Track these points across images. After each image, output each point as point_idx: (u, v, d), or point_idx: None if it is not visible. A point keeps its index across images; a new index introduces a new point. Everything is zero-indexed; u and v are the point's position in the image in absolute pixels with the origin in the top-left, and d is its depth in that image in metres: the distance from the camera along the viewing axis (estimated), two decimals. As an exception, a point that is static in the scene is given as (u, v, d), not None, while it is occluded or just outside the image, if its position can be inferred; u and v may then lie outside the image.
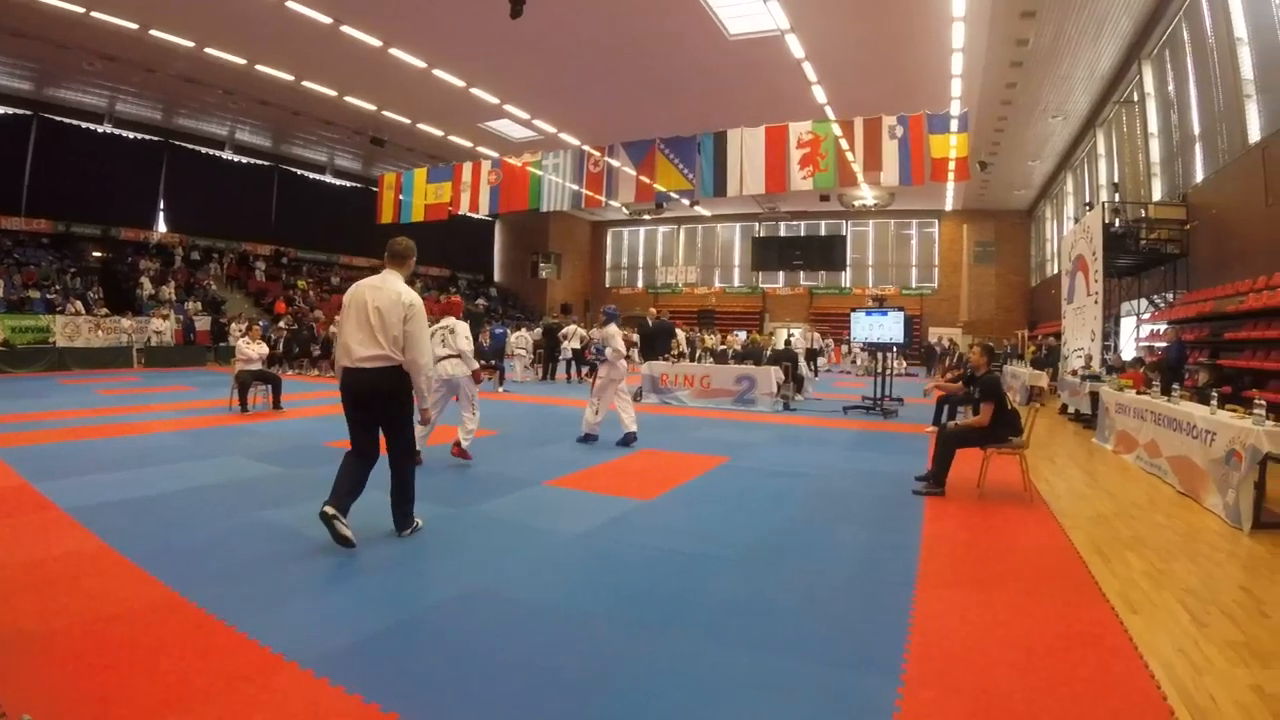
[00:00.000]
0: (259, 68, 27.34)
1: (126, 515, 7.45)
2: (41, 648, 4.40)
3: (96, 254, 36.99)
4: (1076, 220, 27.93)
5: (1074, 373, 19.21)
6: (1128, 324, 25.34)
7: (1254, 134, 16.74)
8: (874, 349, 19.73)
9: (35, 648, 4.40)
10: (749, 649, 4.66)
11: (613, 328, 13.26)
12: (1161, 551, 6.88)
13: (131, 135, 37.66)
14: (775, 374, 19.08)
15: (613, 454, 11.87)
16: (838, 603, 5.59)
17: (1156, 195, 23.02)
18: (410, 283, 7.13)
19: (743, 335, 33.46)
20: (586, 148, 20.98)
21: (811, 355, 32.52)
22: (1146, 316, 23.38)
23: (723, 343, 28.68)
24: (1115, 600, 5.51)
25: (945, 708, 3.94)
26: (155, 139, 38.61)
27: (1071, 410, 18.17)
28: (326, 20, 22.17)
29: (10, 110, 33.58)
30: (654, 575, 6.14)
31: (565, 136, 32.18)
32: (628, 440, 12.59)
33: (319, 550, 6.41)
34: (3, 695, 3.76)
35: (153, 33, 24.13)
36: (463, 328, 10.81)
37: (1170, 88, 21.61)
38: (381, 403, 6.76)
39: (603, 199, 20.75)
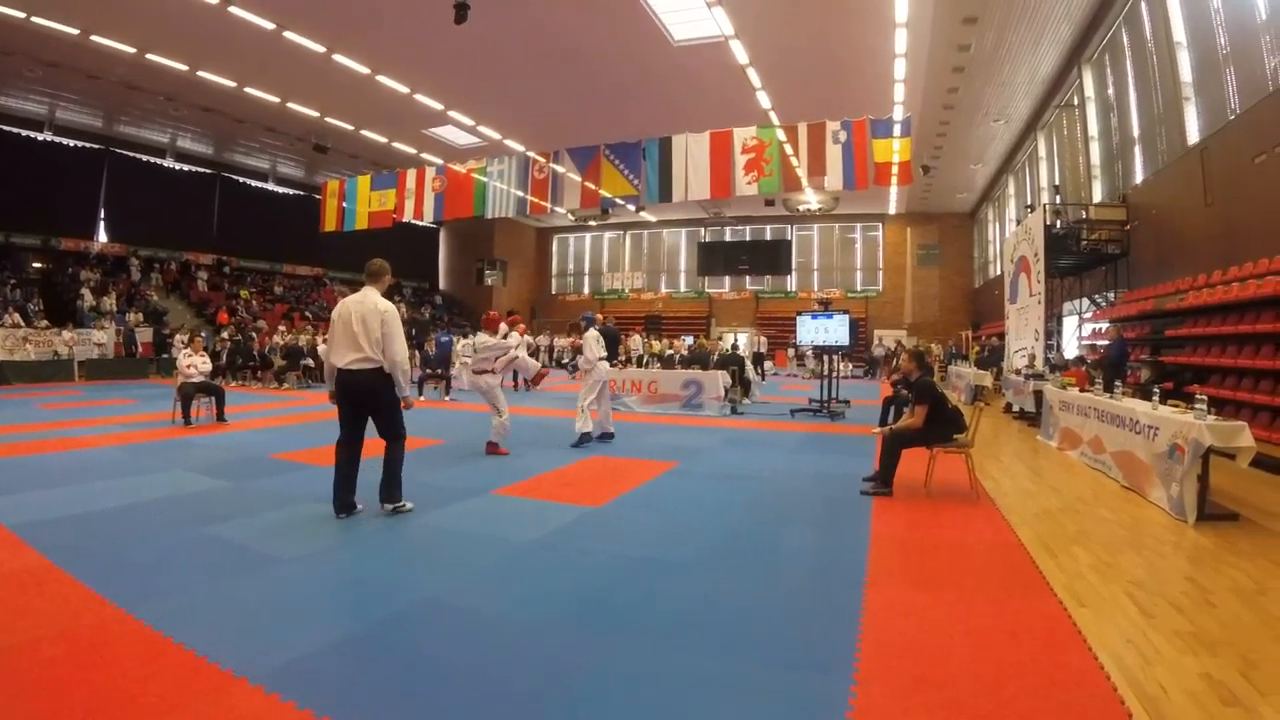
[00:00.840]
0: (201, 74, 27.05)
1: (70, 531, 7.33)
2: None
3: (37, 265, 36.37)
4: (1018, 222, 28.23)
5: (1018, 372, 19.49)
6: (1070, 323, 25.73)
7: (1193, 135, 17.05)
8: (820, 352, 19.74)
9: None
10: (702, 654, 4.66)
11: (591, 334, 13.81)
12: (1108, 545, 6.97)
13: (72, 143, 37.11)
14: (722, 378, 19.11)
15: (562, 461, 11.82)
16: (788, 604, 5.61)
17: (1097, 197, 23.36)
18: (389, 295, 8.62)
19: (690, 340, 33.53)
20: (532, 154, 20.92)
21: (758, 359, 32.69)
22: (1088, 315, 23.71)
23: (670, 347, 28.75)
24: (1063, 594, 5.58)
25: (898, 703, 3.96)
26: (96, 147, 38.00)
27: (1016, 409, 18.40)
28: (269, 26, 21.98)
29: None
30: (604, 582, 6.13)
31: (510, 143, 32.16)
32: (581, 441, 13.02)
33: (266, 564, 6.39)
34: None
35: (94, 38, 23.84)
36: (515, 338, 13.04)
37: (1110, 91, 21.96)
38: (368, 397, 8.13)
39: (548, 205, 20.73)
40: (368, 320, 8.02)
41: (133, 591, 5.58)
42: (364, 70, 25.58)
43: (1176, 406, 8.95)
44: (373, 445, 8.29)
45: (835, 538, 7.43)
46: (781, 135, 17.22)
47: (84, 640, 4.74)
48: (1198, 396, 8.34)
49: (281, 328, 34.52)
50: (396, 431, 8.42)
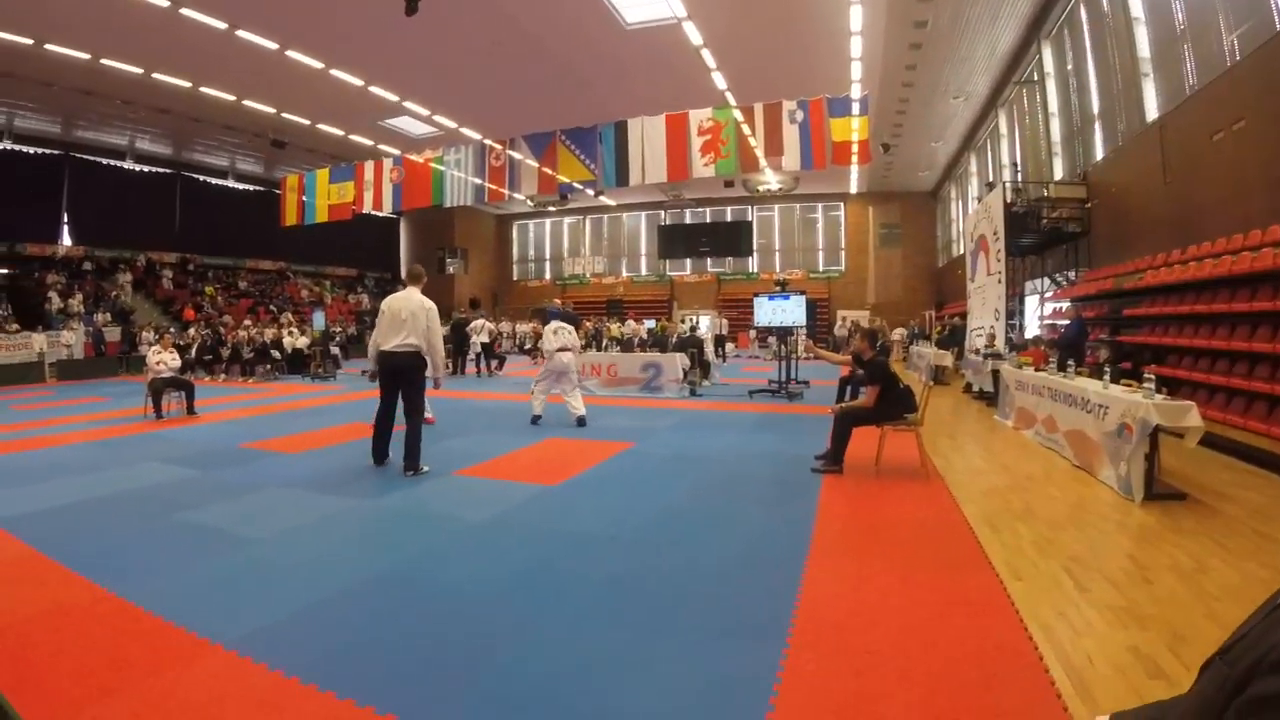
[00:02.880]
0: (156, 76, 26.88)
1: (49, 522, 7.59)
2: None
3: (2, 271, 36.24)
4: (980, 200, 28.22)
5: (976, 351, 19.39)
6: (1032, 302, 25.68)
7: (1151, 112, 17.10)
8: (779, 333, 19.73)
9: None
10: (633, 624, 4.87)
11: (550, 326, 14.68)
12: (1051, 522, 6.98)
13: (31, 150, 37.00)
14: (681, 360, 19.10)
15: (522, 443, 12.04)
16: (728, 577, 5.74)
17: (1058, 174, 23.45)
18: (426, 292, 10.37)
19: (650, 324, 33.48)
20: (488, 142, 20.94)
21: (720, 341, 32.68)
22: (1049, 295, 23.72)
23: (629, 331, 28.79)
24: (1001, 568, 5.65)
25: (827, 670, 4.11)
26: (56, 153, 37.91)
27: (976, 389, 18.23)
28: (222, 26, 21.84)
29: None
30: (548, 556, 6.33)
31: (466, 131, 31.92)
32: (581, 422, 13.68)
33: (235, 545, 6.72)
34: None
35: (48, 47, 23.73)
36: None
37: (1070, 67, 22.00)
38: (404, 374, 9.88)
39: (506, 192, 20.79)
40: (416, 314, 9.85)
41: (111, 572, 5.88)
42: (318, 65, 25.44)
43: (1129, 386, 8.95)
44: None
45: (781, 514, 7.50)
46: (738, 116, 17.26)
47: (66, 617, 5.05)
48: (1146, 375, 8.35)
49: (247, 322, 34.41)
50: (418, 408, 10.01)
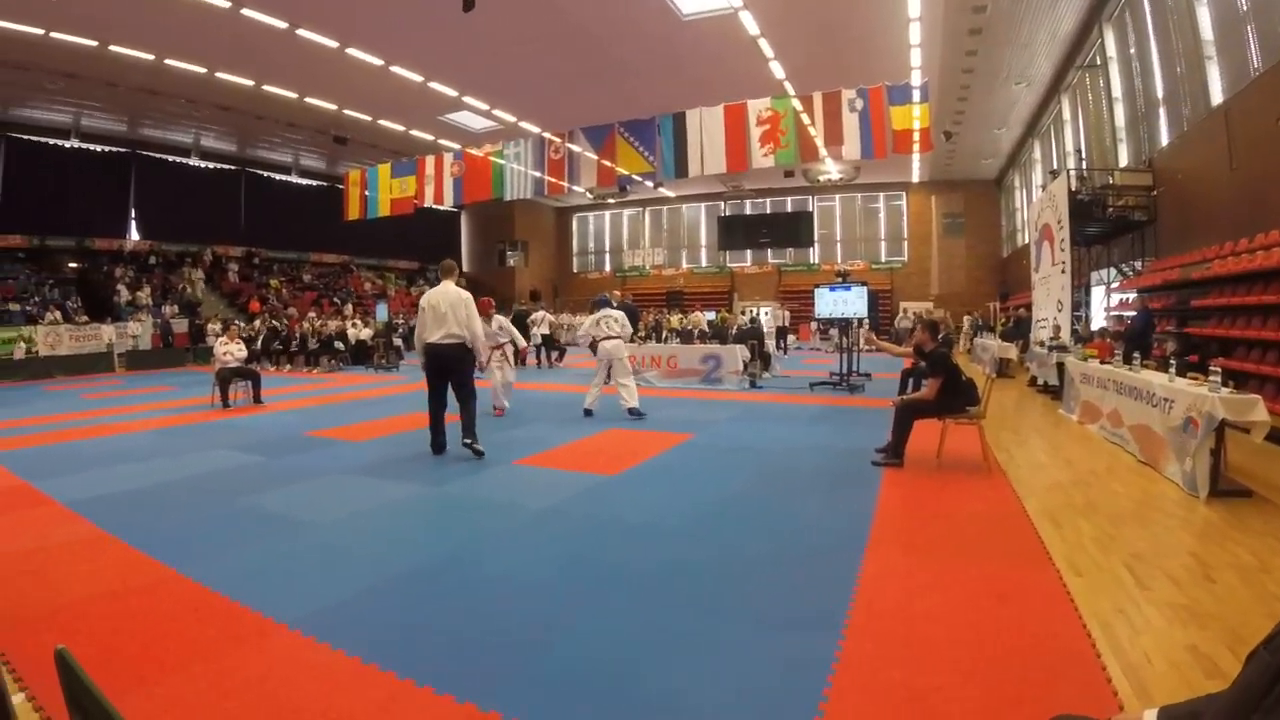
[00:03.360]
0: (219, 75, 27.34)
1: (121, 506, 7.91)
2: (47, 624, 4.81)
3: (72, 265, 37.19)
4: (1044, 188, 27.79)
5: (1041, 344, 19.11)
6: (1098, 293, 25.25)
7: (1216, 96, 16.67)
8: (841, 325, 19.57)
9: (40, 625, 4.81)
10: (692, 610, 4.93)
11: (595, 315, 15.02)
12: (1113, 518, 6.88)
13: (99, 148, 37.81)
14: (741, 352, 19.03)
15: (582, 433, 12.20)
16: (786, 567, 5.78)
17: (1123, 161, 22.93)
18: (462, 285, 10.82)
19: (710, 315, 33.37)
20: (547, 135, 20.97)
21: (781, 333, 32.50)
22: (1115, 285, 23.31)
23: (689, 323, 28.75)
24: (1061, 563, 5.60)
25: (881, 660, 4.12)
26: (122, 150, 38.73)
27: (1041, 382, 17.93)
28: (282, 25, 22.14)
29: (-24, 133, 33.59)
30: (608, 543, 6.49)
31: (525, 125, 32.04)
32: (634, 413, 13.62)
33: (299, 528, 7.02)
34: (15, 665, 4.13)
35: (112, 48, 24.14)
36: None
37: (1132, 51, 21.44)
38: (452, 364, 10.40)
39: (566, 185, 20.77)
40: (455, 306, 10.29)
41: (180, 554, 6.14)
42: (378, 62, 25.70)
43: (1194, 379, 8.79)
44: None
45: (840, 505, 7.51)
46: (797, 105, 17.12)
47: (138, 597, 5.28)
48: (1212, 368, 8.17)
49: (311, 314, 34.80)
50: (469, 391, 10.58)
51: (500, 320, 15.72)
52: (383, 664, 4.10)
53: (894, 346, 13.03)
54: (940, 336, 10.43)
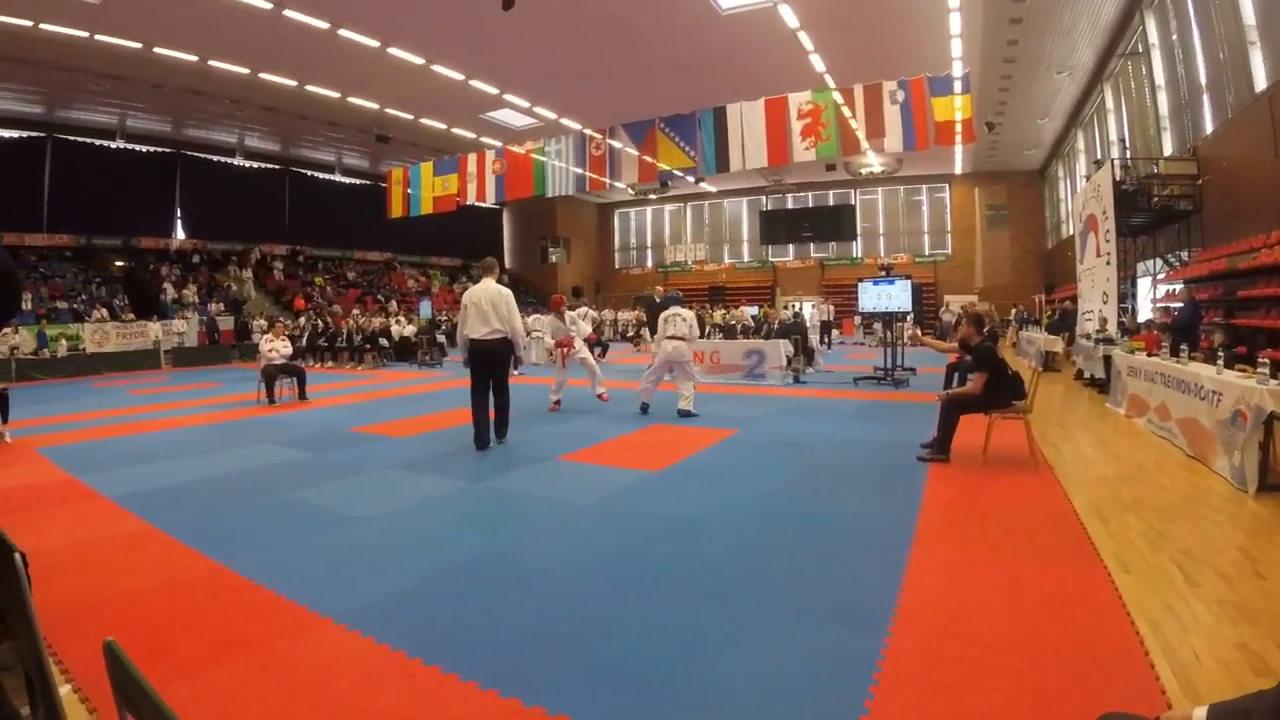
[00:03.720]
0: (262, 76, 27.75)
1: (167, 500, 8.02)
2: (93, 617, 4.87)
3: (119, 263, 37.76)
4: (1088, 179, 27.52)
5: (1087, 336, 18.91)
6: (1144, 284, 24.98)
7: (1260, 82, 16.45)
8: (884, 319, 19.47)
9: (87, 618, 4.85)
10: (736, 605, 4.92)
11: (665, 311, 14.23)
12: (1162, 513, 6.80)
13: (144, 149, 38.44)
14: (784, 347, 18.99)
15: (625, 429, 12.21)
16: (831, 562, 5.76)
17: (1167, 149, 22.64)
18: (503, 282, 11.18)
19: (753, 310, 33.30)
20: (588, 131, 21.02)
21: (826, 328, 32.37)
22: (1161, 276, 23.06)
23: (732, 318, 28.73)
24: (1109, 560, 5.54)
25: (928, 657, 4.10)
26: (167, 151, 39.39)
27: (1087, 375, 17.70)
28: (323, 25, 22.41)
29: (24, 133, 34.43)
30: (652, 539, 6.45)
31: (566, 121, 32.16)
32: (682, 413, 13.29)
33: (345, 523, 7.09)
34: (62, 656, 4.13)
35: (156, 50, 24.50)
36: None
37: (1174, 37, 21.16)
38: (494, 358, 10.69)
39: (607, 181, 20.79)
40: (496, 303, 10.61)
41: (226, 548, 6.22)
42: (418, 61, 25.95)
43: (1243, 371, 8.67)
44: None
45: (886, 501, 7.47)
46: (838, 98, 17.05)
47: (184, 589, 5.37)
48: (1260, 360, 8.06)
49: (355, 311, 35.02)
50: (505, 386, 10.92)
51: (571, 315, 15.96)
52: (426, 659, 4.14)
53: (939, 342, 12.95)
54: (985, 330, 10.34)
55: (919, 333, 13.87)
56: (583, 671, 4.03)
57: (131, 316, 32.24)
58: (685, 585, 5.30)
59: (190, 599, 5.15)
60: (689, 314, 14.17)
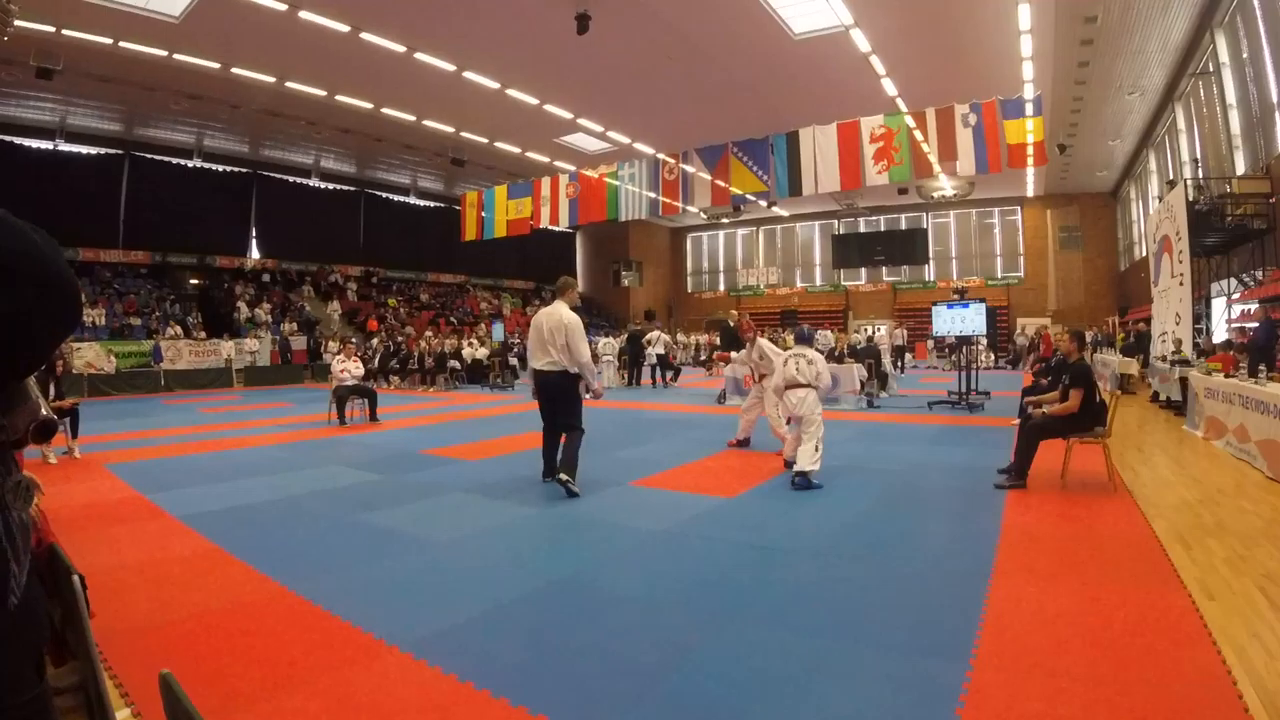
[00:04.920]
0: (339, 98, 28.18)
1: (234, 520, 8.02)
2: (159, 637, 4.88)
3: (194, 281, 38.52)
4: (1161, 199, 27.23)
5: (1163, 358, 18.76)
6: (1219, 305, 24.69)
7: (1332, 99, 16.33)
8: (959, 342, 19.40)
9: (152, 637, 4.87)
10: (815, 635, 4.82)
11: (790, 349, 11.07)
12: (1244, 538, 6.75)
13: (221, 168, 39.20)
14: (858, 371, 19.00)
15: (698, 455, 12.04)
16: (911, 592, 5.68)
17: (1240, 168, 22.42)
18: (576, 308, 9.89)
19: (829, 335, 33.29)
20: (661, 155, 21.20)
21: (899, 352, 32.23)
22: (1236, 296, 22.80)
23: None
24: (1193, 587, 5.44)
25: (1012, 690, 4.00)
26: (244, 170, 40.13)
27: (1163, 398, 17.62)
28: (400, 49, 22.79)
29: (103, 150, 35.10)
30: (727, 566, 6.34)
31: (640, 146, 32.36)
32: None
33: (414, 547, 7.02)
34: (122, 678, 4.16)
35: (234, 71, 25.03)
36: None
37: (1245, 55, 20.99)
38: (555, 392, 9.57)
39: (680, 205, 20.99)
40: (555, 331, 9.37)
41: (292, 571, 6.19)
42: (494, 85, 26.21)
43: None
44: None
45: (964, 528, 7.42)
46: (910, 122, 17.13)
47: (249, 613, 5.32)
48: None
49: (429, 333, 35.34)
50: (571, 424, 9.52)
51: (764, 347, 12.46)
52: (495, 690, 4.06)
53: (1048, 397, 11.52)
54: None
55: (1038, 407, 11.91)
56: (655, 703, 3.99)
57: (204, 335, 32.87)
58: (761, 614, 5.25)
59: (254, 623, 5.17)
60: (819, 358, 10.68)
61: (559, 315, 9.51)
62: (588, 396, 10.08)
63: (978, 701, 3.87)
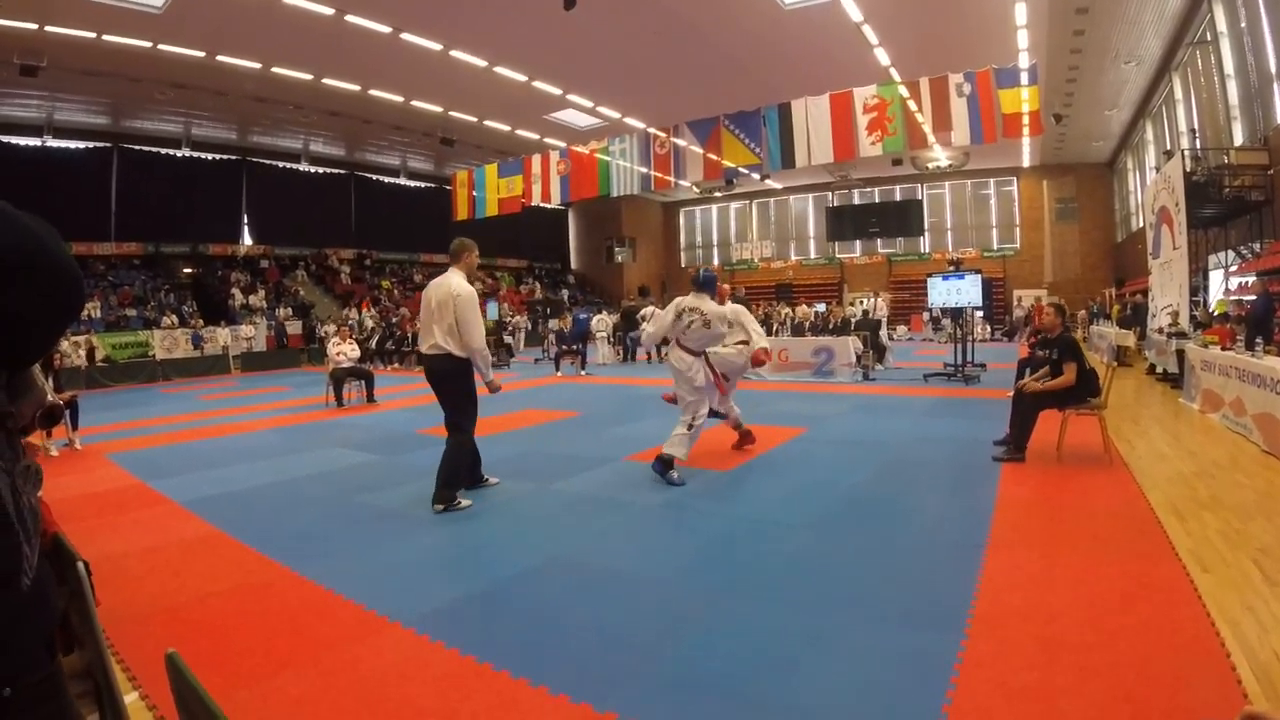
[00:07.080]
0: (326, 81, 28.06)
1: (236, 505, 8.20)
2: (164, 621, 5.02)
3: (187, 270, 38.62)
4: (1159, 170, 27.03)
5: (1160, 331, 18.66)
6: (1216, 277, 24.58)
7: (1330, 69, 16.16)
8: (954, 314, 19.33)
9: (157, 621, 5.02)
10: (811, 607, 4.93)
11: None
12: (1239, 511, 6.72)
13: (210, 156, 39.20)
14: (854, 344, 18.92)
15: None
16: (905, 564, 5.75)
17: (1238, 139, 22.26)
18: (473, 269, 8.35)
19: (820, 308, 33.15)
20: (652, 130, 20.99)
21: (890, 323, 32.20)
22: (1234, 269, 22.67)
23: (799, 316, 28.68)
24: (1187, 559, 5.48)
25: (1005, 659, 4.08)
26: (233, 158, 40.13)
27: (1159, 370, 17.54)
28: (386, 30, 22.64)
29: (92, 144, 35.14)
30: (723, 540, 6.50)
31: (630, 121, 32.19)
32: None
33: (413, 527, 7.16)
34: (129, 663, 4.26)
35: (219, 58, 24.96)
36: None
37: (1243, 25, 20.77)
38: (439, 382, 7.88)
39: (672, 180, 20.80)
40: (442, 306, 7.68)
41: (293, 552, 6.37)
42: (481, 63, 26.12)
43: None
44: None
45: (960, 501, 7.43)
46: (903, 92, 16.90)
47: (253, 594, 5.50)
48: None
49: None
50: (456, 423, 7.85)
51: (735, 308, 9.80)
52: (497, 664, 4.17)
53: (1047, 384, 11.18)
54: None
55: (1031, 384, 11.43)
56: (654, 677, 4.06)
57: (200, 322, 32.96)
58: (757, 587, 5.32)
59: (258, 603, 5.27)
60: (723, 312, 9.30)
61: (448, 286, 7.78)
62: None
63: (972, 672, 3.95)
